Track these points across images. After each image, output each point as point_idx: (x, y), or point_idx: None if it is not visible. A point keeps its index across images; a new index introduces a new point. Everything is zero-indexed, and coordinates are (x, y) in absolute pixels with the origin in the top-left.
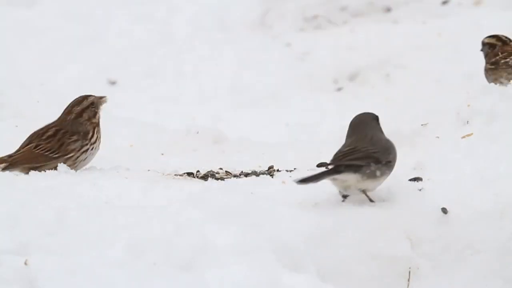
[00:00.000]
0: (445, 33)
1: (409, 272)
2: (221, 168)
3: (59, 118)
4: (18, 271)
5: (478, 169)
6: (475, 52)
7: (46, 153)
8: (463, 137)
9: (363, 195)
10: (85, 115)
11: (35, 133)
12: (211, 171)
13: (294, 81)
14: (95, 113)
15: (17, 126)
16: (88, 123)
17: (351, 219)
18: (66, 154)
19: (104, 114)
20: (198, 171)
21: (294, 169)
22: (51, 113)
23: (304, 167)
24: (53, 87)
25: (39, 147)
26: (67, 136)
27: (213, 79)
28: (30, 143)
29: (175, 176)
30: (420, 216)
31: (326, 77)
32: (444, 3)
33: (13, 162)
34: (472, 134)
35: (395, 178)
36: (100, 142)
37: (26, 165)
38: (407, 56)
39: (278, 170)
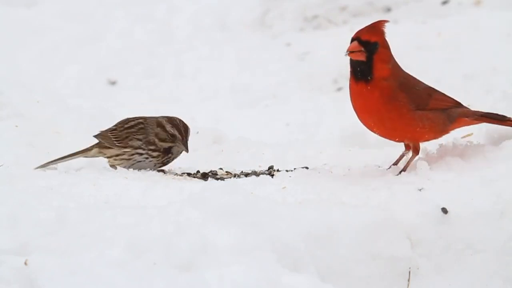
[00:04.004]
0: (445, 33)
1: (409, 272)
2: (221, 168)
3: (152, 116)
4: (18, 271)
5: (478, 169)
6: (475, 52)
7: (113, 139)
8: (463, 137)
9: None
10: (159, 130)
11: (125, 119)
12: (211, 171)
13: (294, 81)
14: (164, 140)
15: (17, 126)
16: (153, 137)
17: (351, 219)
18: (125, 147)
19: (104, 114)
20: (198, 171)
21: (294, 169)
22: (51, 113)
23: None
24: (53, 87)
25: (113, 131)
26: (134, 132)
27: (213, 79)
28: (115, 126)
29: (175, 176)
30: (420, 216)
31: (326, 77)
32: (444, 3)
33: (97, 136)
34: (472, 134)
35: (394, 178)
36: (159, 166)
37: (102, 144)
38: (407, 56)
39: (278, 170)
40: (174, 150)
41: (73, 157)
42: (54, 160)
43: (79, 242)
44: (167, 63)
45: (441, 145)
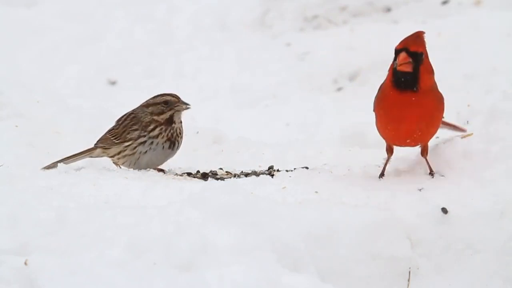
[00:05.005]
0: (445, 33)
1: (409, 272)
2: (221, 168)
3: (140, 105)
4: (18, 271)
5: (478, 169)
6: (475, 52)
7: (112, 138)
8: (463, 137)
9: None
10: (151, 108)
11: (119, 117)
12: (211, 171)
13: (294, 81)
14: (161, 112)
15: (17, 126)
16: (150, 117)
17: (351, 219)
18: (125, 141)
19: (104, 114)
20: (198, 171)
21: (294, 169)
22: (51, 113)
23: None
24: (53, 87)
25: (111, 131)
26: (130, 125)
27: (213, 79)
28: (113, 126)
29: (175, 176)
30: (420, 216)
31: (326, 77)
32: (444, 3)
33: (97, 143)
34: (472, 134)
35: (394, 178)
36: (168, 145)
37: (101, 146)
38: None
39: (278, 170)
40: (176, 117)
41: (79, 157)
42: (60, 160)
43: (79, 242)
44: (167, 63)
45: (441, 145)
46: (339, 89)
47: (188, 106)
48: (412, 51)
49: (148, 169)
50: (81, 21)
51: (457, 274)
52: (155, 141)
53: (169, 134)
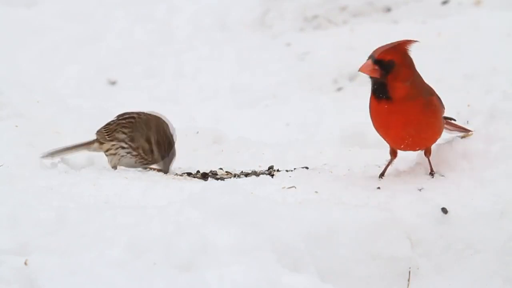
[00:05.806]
0: (445, 33)
1: (409, 272)
2: (221, 168)
3: (150, 113)
4: (18, 271)
5: (478, 169)
6: (475, 52)
7: (104, 134)
8: (463, 137)
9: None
10: (144, 144)
11: (122, 113)
12: (211, 171)
13: (294, 81)
14: (148, 153)
15: (17, 126)
16: (141, 138)
17: (351, 219)
18: (112, 140)
19: (104, 114)
20: (198, 171)
21: (294, 169)
22: (51, 113)
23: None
24: (53, 87)
25: (107, 125)
26: (122, 125)
27: (213, 79)
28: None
29: (175, 176)
30: (420, 216)
31: (326, 77)
32: (444, 3)
33: (97, 133)
34: (472, 134)
35: (394, 178)
36: (139, 165)
37: (99, 139)
38: None
39: (278, 170)
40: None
41: (77, 149)
42: (60, 150)
43: (79, 242)
44: (167, 63)
45: (441, 145)
46: (339, 89)
47: (165, 171)
48: (378, 59)
49: (148, 169)
50: (81, 21)
51: (457, 274)
52: (130, 156)
53: (144, 164)
